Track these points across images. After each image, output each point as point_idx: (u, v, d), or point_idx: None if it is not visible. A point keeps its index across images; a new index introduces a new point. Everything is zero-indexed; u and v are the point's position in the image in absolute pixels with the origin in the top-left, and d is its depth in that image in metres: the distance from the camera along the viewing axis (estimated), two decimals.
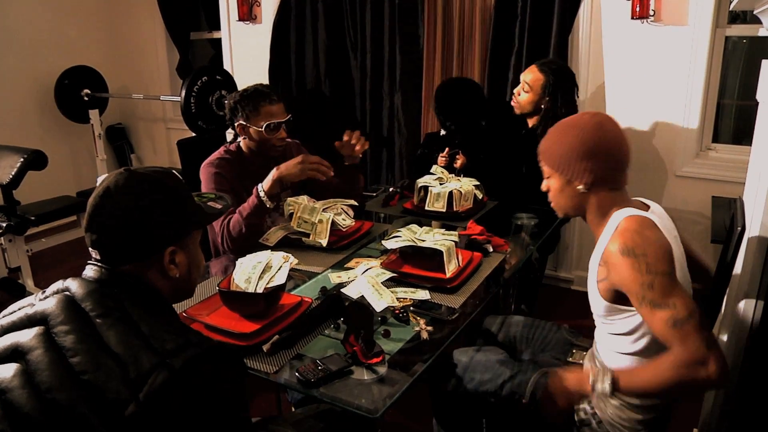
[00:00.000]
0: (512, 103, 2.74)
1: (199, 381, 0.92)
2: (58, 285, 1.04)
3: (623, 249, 1.28)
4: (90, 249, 1.08)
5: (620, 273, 1.29)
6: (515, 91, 2.72)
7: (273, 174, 2.07)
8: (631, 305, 1.30)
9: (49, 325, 0.96)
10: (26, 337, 0.96)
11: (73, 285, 1.03)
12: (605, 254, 1.35)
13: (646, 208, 1.44)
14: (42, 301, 1.02)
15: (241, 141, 2.27)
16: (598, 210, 1.43)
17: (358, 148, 2.25)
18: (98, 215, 1.06)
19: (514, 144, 2.77)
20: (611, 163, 1.39)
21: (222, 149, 2.28)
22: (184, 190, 1.15)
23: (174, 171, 1.21)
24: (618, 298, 1.36)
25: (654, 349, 1.34)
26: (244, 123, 2.20)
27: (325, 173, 2.11)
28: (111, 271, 1.05)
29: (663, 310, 1.21)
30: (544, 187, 1.51)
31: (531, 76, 2.64)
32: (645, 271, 1.24)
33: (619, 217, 1.37)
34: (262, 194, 2.05)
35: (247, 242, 2.06)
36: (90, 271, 1.07)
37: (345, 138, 2.25)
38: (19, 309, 1.03)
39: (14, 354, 0.95)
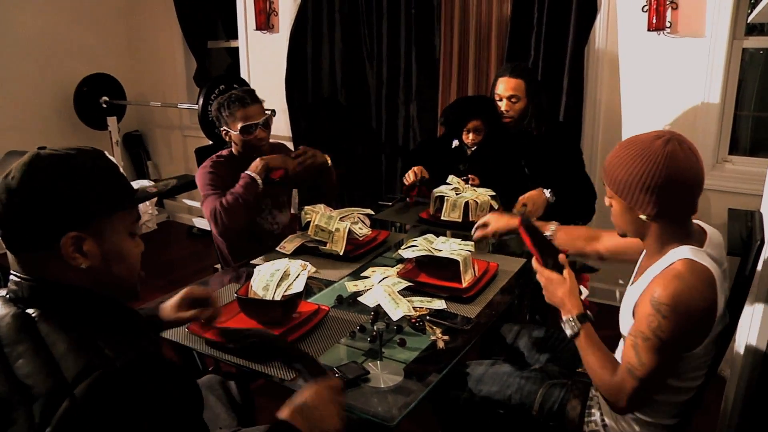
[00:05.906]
0: (506, 119, 2.66)
1: (106, 408, 0.80)
2: None
3: (655, 299, 1.26)
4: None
5: (640, 310, 1.32)
6: (504, 106, 2.65)
7: (257, 161, 2.24)
8: None
9: None
10: None
11: None
12: (650, 288, 1.30)
13: (704, 233, 1.39)
14: None
15: (232, 146, 2.39)
16: (658, 239, 1.37)
17: (308, 163, 2.36)
18: None
19: (522, 152, 2.74)
20: (679, 198, 1.31)
21: (214, 156, 2.40)
22: (99, 170, 1.00)
23: (105, 153, 1.07)
24: None
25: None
26: (226, 129, 2.32)
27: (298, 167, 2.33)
28: (30, 284, 0.94)
29: (634, 356, 1.30)
30: (606, 202, 1.45)
31: (513, 86, 2.62)
32: (653, 327, 1.26)
33: (677, 255, 1.32)
34: (251, 173, 2.21)
35: (240, 218, 2.18)
36: (11, 284, 0.96)
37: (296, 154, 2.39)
38: None
39: None
